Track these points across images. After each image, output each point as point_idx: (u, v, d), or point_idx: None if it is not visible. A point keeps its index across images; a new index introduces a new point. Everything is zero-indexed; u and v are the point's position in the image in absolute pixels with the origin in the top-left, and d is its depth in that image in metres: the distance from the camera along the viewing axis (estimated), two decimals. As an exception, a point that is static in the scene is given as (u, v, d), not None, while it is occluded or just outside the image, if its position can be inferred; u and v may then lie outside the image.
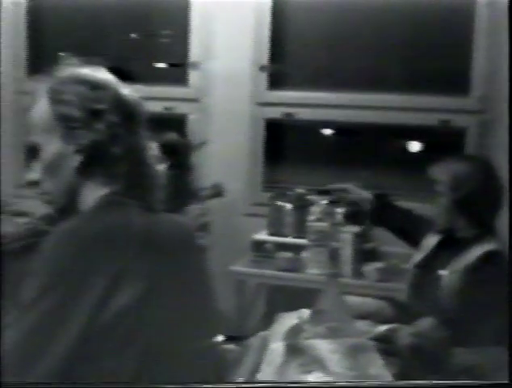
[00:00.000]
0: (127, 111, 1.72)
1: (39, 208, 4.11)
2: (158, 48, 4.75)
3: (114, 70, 1.80)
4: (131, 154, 1.70)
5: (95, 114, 1.67)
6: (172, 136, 3.74)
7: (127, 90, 1.76)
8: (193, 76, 4.52)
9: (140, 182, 1.73)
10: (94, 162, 1.68)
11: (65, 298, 1.55)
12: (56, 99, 1.70)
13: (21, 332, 1.56)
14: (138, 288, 1.59)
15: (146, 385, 1.57)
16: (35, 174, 1.76)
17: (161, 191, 1.79)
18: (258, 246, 4.12)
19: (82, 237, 1.61)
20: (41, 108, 1.73)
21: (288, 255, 3.99)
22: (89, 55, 1.80)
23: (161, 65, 4.70)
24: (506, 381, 1.39)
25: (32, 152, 1.76)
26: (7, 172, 4.85)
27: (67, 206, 1.73)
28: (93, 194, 1.70)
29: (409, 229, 3.13)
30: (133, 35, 4.78)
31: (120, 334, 1.57)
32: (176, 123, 4.42)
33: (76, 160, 1.68)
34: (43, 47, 4.89)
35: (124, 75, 1.81)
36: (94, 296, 1.54)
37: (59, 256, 1.59)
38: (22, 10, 4.86)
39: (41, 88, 1.74)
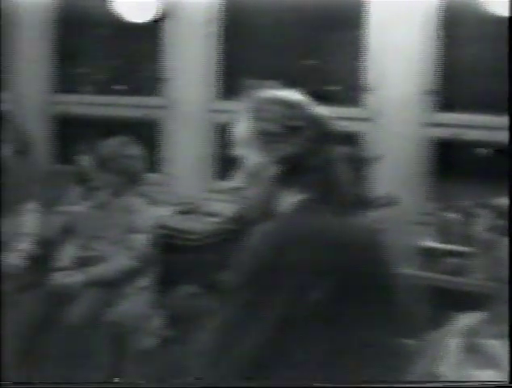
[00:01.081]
0: (320, 128, 1.71)
1: (227, 209, 4.18)
2: (336, 73, 4.70)
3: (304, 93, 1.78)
4: (324, 165, 1.68)
5: (293, 130, 1.66)
6: (351, 150, 3.70)
7: (318, 110, 1.74)
8: (368, 98, 4.45)
9: (331, 190, 1.69)
10: (291, 171, 1.66)
11: (266, 290, 1.53)
12: (257, 117, 1.71)
13: (224, 317, 1.56)
14: (331, 284, 1.55)
15: (147, 385, 1.53)
16: (237, 181, 1.76)
17: (348, 198, 1.75)
18: (426, 251, 4.01)
19: (283, 237, 1.59)
20: (243, 125, 1.73)
21: (454, 260, 3.86)
22: (273, 79, 1.80)
23: (337, 87, 4.64)
24: (506, 382, 1.26)
25: (234, 163, 1.77)
26: (200, 179, 4.97)
27: (265, 210, 1.71)
28: (289, 200, 1.68)
29: None
30: (313, 61, 4.76)
31: (312, 328, 1.53)
32: (352, 140, 4.36)
33: (274, 170, 1.67)
34: (230, 71, 4.92)
35: (311, 97, 1.78)
36: (291, 289, 1.52)
37: (263, 253, 1.57)
38: (213, 40, 4.91)
39: (243, 108, 1.75)
